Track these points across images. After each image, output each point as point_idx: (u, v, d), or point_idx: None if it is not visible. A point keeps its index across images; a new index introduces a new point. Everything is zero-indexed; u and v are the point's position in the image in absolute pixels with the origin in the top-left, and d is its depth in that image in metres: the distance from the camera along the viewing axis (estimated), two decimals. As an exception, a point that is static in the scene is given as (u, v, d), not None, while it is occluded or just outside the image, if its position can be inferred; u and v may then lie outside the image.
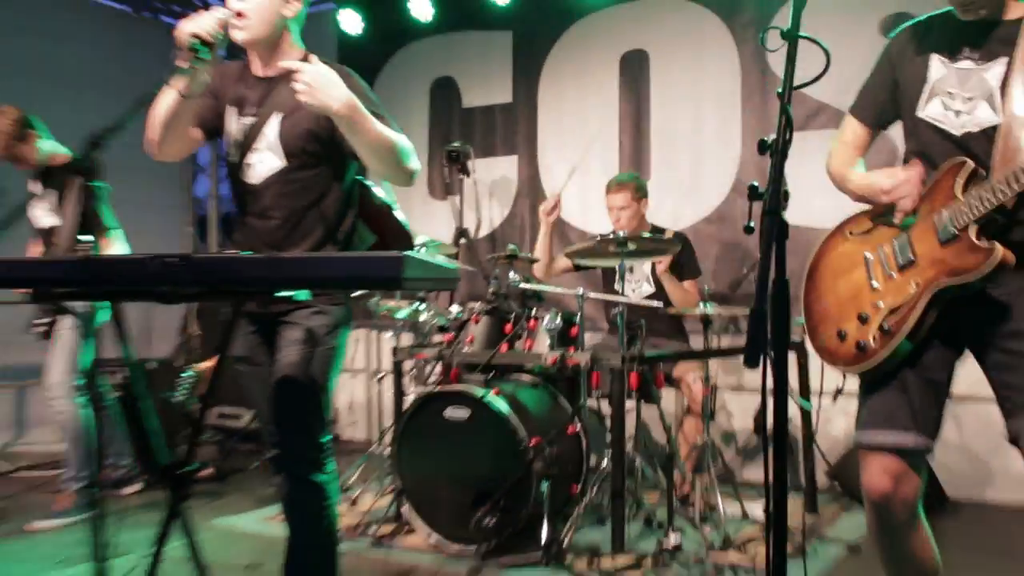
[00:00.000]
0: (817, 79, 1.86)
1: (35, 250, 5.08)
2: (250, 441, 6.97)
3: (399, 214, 3.23)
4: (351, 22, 7.28)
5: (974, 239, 2.33)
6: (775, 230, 1.67)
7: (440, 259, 2.46)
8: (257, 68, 3.07)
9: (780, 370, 1.62)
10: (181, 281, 2.50)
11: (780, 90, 1.74)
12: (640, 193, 5.44)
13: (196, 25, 2.70)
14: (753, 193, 1.74)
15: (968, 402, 3.78)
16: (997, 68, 2.44)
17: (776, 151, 1.70)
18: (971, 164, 2.41)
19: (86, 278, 2.57)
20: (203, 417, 2.88)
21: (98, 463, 5.21)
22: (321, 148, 2.95)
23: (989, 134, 2.42)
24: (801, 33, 1.77)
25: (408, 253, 2.24)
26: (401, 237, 3.21)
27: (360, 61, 7.06)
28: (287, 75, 2.99)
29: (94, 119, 6.36)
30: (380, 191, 3.24)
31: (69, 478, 5.03)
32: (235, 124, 3.06)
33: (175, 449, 5.44)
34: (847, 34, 5.27)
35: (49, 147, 5.07)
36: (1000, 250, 2.28)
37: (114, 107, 7.26)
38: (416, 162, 2.96)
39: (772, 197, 1.68)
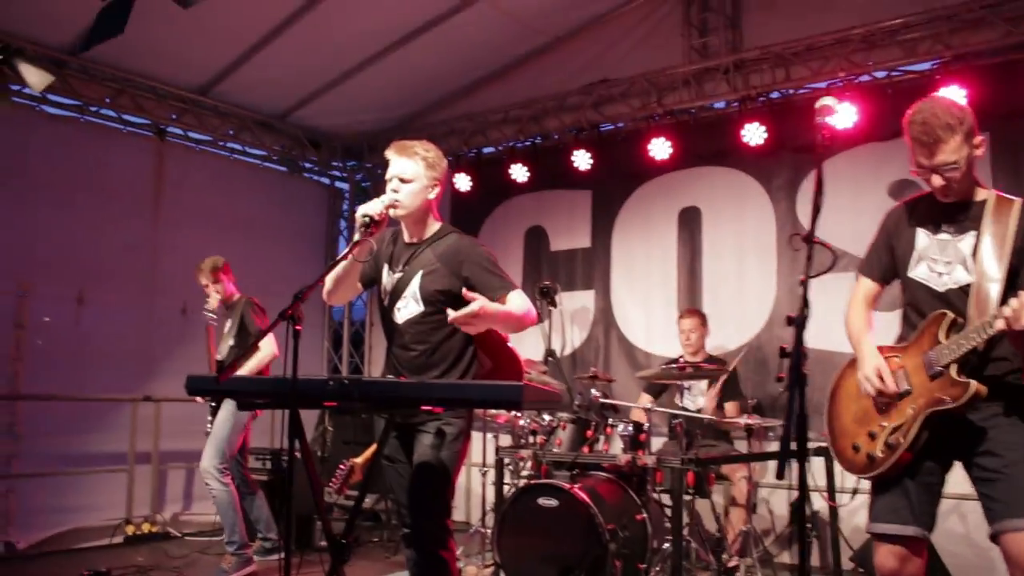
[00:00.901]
0: (827, 271, 2.17)
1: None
2: (370, 520, 7.24)
3: (511, 344, 3.54)
4: (463, 183, 7.62)
5: (955, 376, 2.58)
6: (797, 382, 1.97)
7: (549, 383, 2.79)
8: (407, 235, 3.44)
9: (802, 480, 1.90)
10: (351, 397, 2.88)
11: (801, 278, 2.07)
12: (705, 321, 5.73)
13: (369, 208, 3.13)
14: (783, 353, 2.05)
15: (970, 500, 3.87)
16: (968, 239, 2.71)
17: (798, 324, 2.02)
18: (951, 315, 2.67)
19: (285, 392, 2.96)
20: (361, 501, 3.19)
21: (249, 531, 5.53)
22: (450, 300, 3.20)
23: (965, 290, 2.68)
24: (817, 238, 2.11)
25: (527, 383, 2.58)
26: (512, 363, 3.49)
27: (469, 212, 7.57)
28: (428, 241, 3.39)
29: (261, 257, 6.86)
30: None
31: (228, 543, 5.38)
32: (387, 278, 3.42)
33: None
34: (862, 194, 5.53)
35: (232, 287, 5.65)
36: (975, 386, 2.53)
37: (268, 246, 7.80)
38: (532, 315, 3.20)
39: (795, 358, 1.99)
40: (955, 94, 5.23)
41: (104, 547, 6.27)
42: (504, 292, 3.20)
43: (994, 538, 2.57)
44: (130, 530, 6.50)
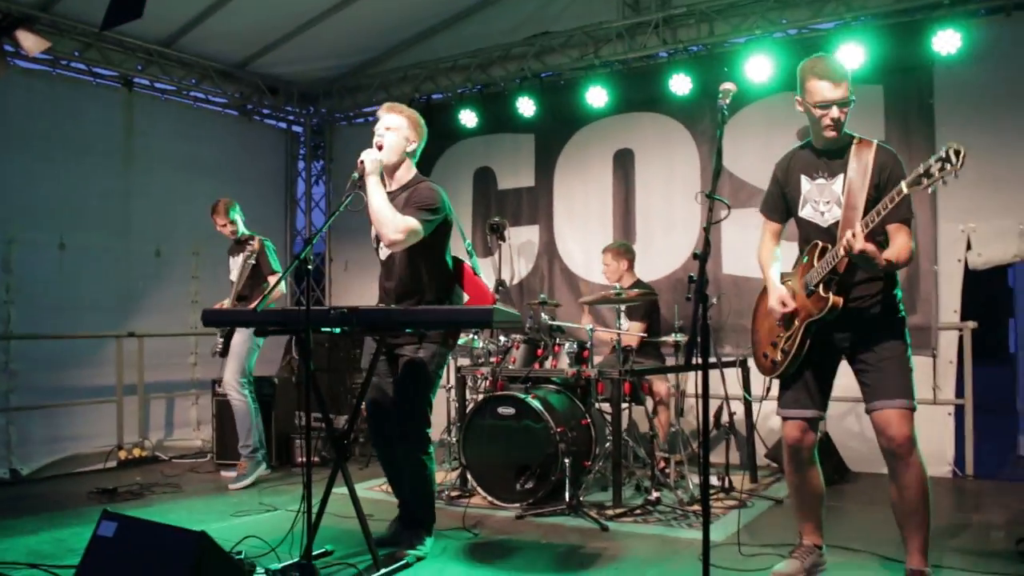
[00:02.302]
0: (723, 219, 2.83)
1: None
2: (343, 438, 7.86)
3: (483, 277, 4.18)
4: (415, 127, 8.10)
5: (821, 292, 3.25)
6: (700, 301, 2.66)
7: (512, 310, 3.46)
8: (386, 185, 4.00)
9: (704, 379, 2.60)
10: (350, 323, 3.52)
11: (704, 225, 2.73)
12: (619, 255, 6.30)
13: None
14: (690, 280, 2.73)
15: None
16: (839, 180, 3.32)
17: (701, 259, 2.69)
18: (822, 244, 3.30)
19: (293, 320, 3.59)
20: (357, 412, 3.87)
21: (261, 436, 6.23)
22: (425, 237, 3.83)
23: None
24: (716, 196, 2.77)
25: (496, 306, 3.24)
26: (484, 294, 4.14)
27: (421, 155, 8.05)
28: (400, 189, 3.96)
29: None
30: (469, 263, 4.19)
31: (243, 446, 6.11)
32: (375, 221, 4.02)
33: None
34: (774, 137, 6.04)
35: (241, 227, 6.27)
36: (832, 299, 3.20)
37: (232, 188, 8.16)
38: (397, 236, 3.67)
39: (699, 283, 2.67)
40: (853, 50, 5.93)
41: (100, 471, 6.81)
42: (410, 214, 3.75)
43: (868, 413, 3.30)
44: (122, 455, 7.04)
